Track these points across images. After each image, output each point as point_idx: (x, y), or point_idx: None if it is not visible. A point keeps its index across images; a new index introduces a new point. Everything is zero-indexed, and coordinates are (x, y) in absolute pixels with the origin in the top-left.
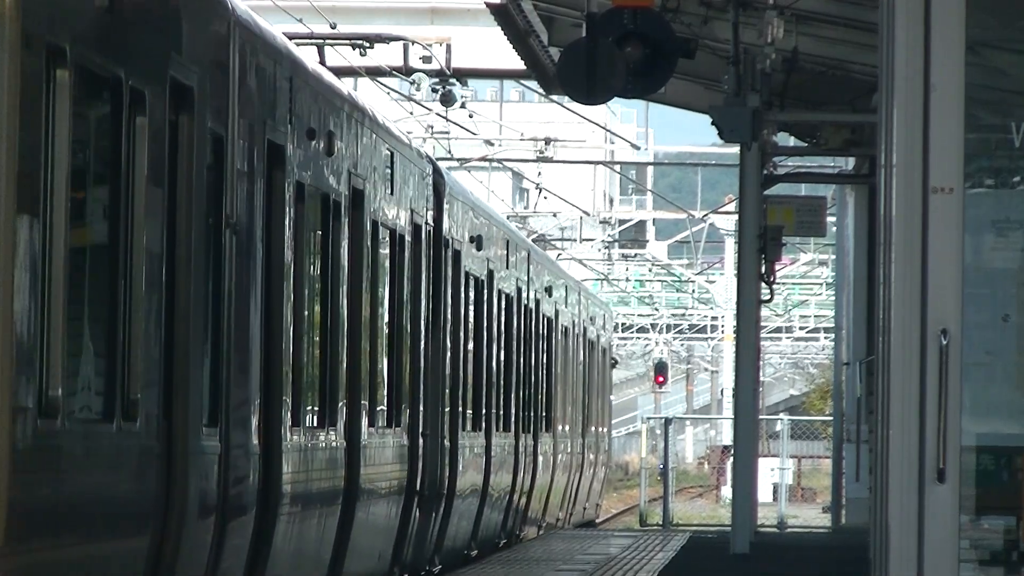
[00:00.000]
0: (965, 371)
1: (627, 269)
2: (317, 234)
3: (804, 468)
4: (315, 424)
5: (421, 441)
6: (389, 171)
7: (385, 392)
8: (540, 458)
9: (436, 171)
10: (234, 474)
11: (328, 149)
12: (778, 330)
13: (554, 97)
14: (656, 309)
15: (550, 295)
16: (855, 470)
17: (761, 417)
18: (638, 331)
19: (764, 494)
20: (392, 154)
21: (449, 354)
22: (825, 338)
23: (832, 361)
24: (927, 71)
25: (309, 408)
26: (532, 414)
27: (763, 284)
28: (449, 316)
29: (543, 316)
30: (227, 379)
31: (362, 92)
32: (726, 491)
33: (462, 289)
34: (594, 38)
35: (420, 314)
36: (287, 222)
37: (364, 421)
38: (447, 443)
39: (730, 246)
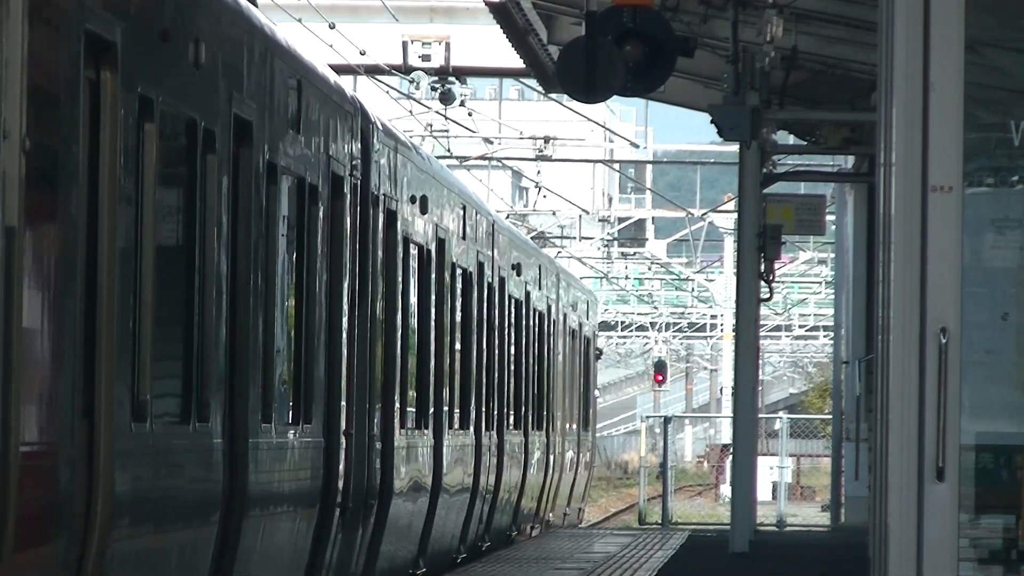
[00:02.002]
0: (964, 370)
1: (626, 267)
2: (180, 171)
3: (803, 467)
4: (175, 420)
5: (343, 441)
6: (296, 106)
7: (289, 382)
8: (507, 458)
9: (364, 115)
10: None
11: (196, 58)
12: (777, 329)
13: (553, 96)
14: (655, 307)
15: (520, 274)
16: (854, 469)
17: (760, 416)
18: (637, 329)
19: (763, 493)
20: (300, 85)
21: (382, 338)
22: (824, 337)
23: (831, 360)
24: (926, 70)
25: (161, 400)
26: (498, 409)
27: (762, 283)
28: (380, 291)
29: (511, 298)
30: None
31: (361, 91)
32: (725, 490)
33: (399, 259)
34: (593, 36)
35: (340, 286)
36: (117, 147)
37: (255, 417)
38: (379, 443)
39: (729, 244)
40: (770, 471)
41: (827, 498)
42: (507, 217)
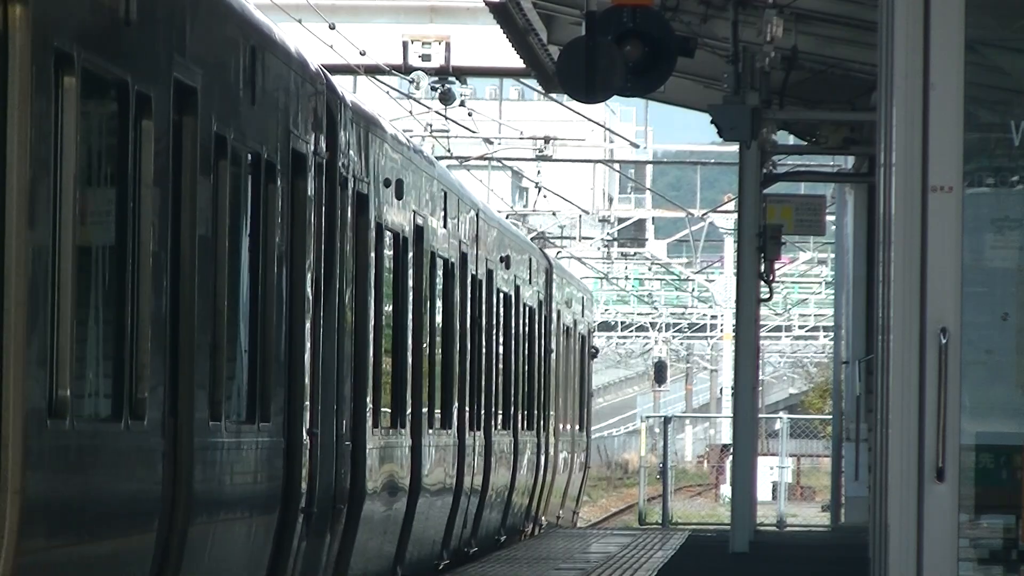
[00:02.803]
0: (964, 370)
1: (626, 268)
2: (107, 139)
3: (803, 467)
4: (103, 417)
5: (307, 441)
6: (251, 75)
7: (243, 377)
8: (495, 460)
9: (330, 89)
10: None
11: (127, 13)
12: (777, 329)
13: (553, 96)
14: (655, 308)
15: (508, 268)
16: (854, 469)
17: (760, 416)
18: (637, 330)
19: (763, 493)
20: (256, 51)
21: (352, 332)
22: (824, 337)
23: (831, 360)
24: (926, 70)
25: (86, 396)
26: (485, 409)
27: (762, 283)
28: (349, 280)
29: (499, 292)
30: None
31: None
32: (725, 490)
33: (371, 246)
34: (593, 36)
35: (302, 273)
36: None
37: (201, 414)
38: (348, 444)
39: (729, 245)
40: (770, 471)
41: (827, 498)
42: (507, 217)
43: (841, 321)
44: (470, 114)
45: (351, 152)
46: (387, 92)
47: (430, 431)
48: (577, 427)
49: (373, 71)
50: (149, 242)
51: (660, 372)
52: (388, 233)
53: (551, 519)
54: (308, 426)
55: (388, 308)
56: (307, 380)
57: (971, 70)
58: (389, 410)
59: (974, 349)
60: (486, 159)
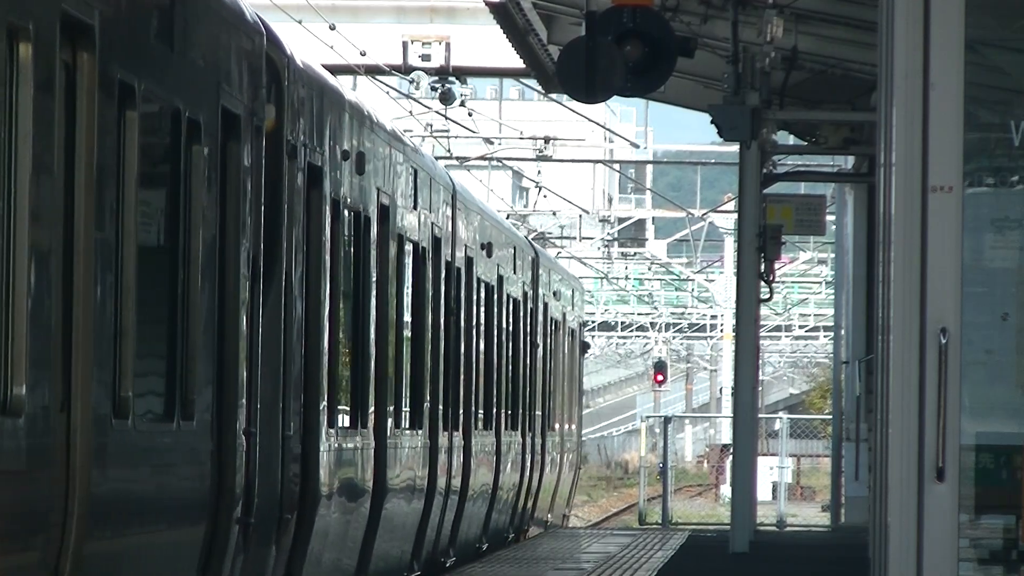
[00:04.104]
0: (964, 370)
1: (626, 268)
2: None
3: (803, 467)
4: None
5: (243, 442)
6: (168, 18)
7: (158, 369)
8: (475, 461)
9: (275, 45)
10: None
11: None
12: (777, 329)
13: (554, 96)
14: (655, 308)
15: (490, 256)
16: (854, 469)
17: (760, 416)
18: (637, 330)
19: (763, 493)
20: None
21: (301, 321)
22: (824, 337)
23: (831, 360)
24: (926, 70)
25: None
26: (464, 408)
27: (762, 283)
28: (298, 262)
29: (479, 282)
30: None
31: (361, 91)
32: (725, 490)
33: (327, 225)
34: (593, 37)
35: (235, 251)
36: None
37: (101, 411)
38: (297, 445)
39: (729, 245)
40: (770, 471)
41: (827, 498)
42: (507, 217)
43: (841, 321)
44: (470, 114)
45: (301, 118)
46: (387, 92)
47: (397, 431)
48: (568, 426)
49: (373, 71)
50: (28, 208)
51: (661, 369)
52: (347, 211)
53: (539, 522)
54: (244, 425)
55: (347, 296)
56: (243, 374)
57: (971, 70)
58: (348, 409)
59: (974, 349)
60: (486, 159)
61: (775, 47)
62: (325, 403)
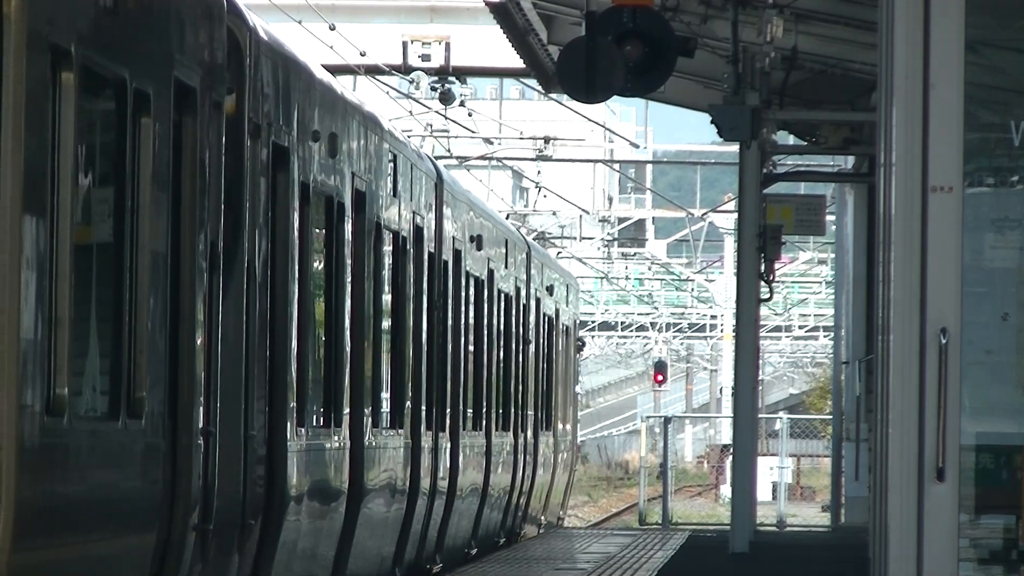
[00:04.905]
0: (964, 370)
1: (626, 268)
2: None
3: (803, 467)
4: None
5: (200, 443)
6: None
7: (103, 363)
8: (463, 463)
9: (235, 14)
10: None
11: None
12: (777, 329)
13: (553, 95)
14: (655, 308)
15: (480, 248)
16: (854, 469)
17: (760, 416)
18: (637, 330)
19: (763, 493)
20: None
21: (267, 313)
22: (824, 337)
23: (831, 360)
24: (926, 70)
25: None
26: (450, 407)
27: (762, 283)
28: (263, 249)
29: (468, 275)
30: None
31: (361, 91)
32: (725, 490)
33: (295, 211)
34: (593, 37)
35: (191, 234)
36: None
37: (34, 406)
38: (262, 446)
39: (729, 245)
40: (770, 471)
41: (827, 498)
42: (507, 217)
43: (841, 321)
44: (470, 114)
45: (265, 95)
46: (387, 92)
47: (375, 431)
48: (562, 425)
49: (373, 71)
50: None
51: (661, 369)
52: (317, 197)
53: (533, 525)
54: (202, 424)
55: (318, 287)
56: (201, 370)
57: (971, 70)
58: (320, 407)
59: (974, 349)
60: (486, 159)
61: (775, 47)
62: (294, 401)
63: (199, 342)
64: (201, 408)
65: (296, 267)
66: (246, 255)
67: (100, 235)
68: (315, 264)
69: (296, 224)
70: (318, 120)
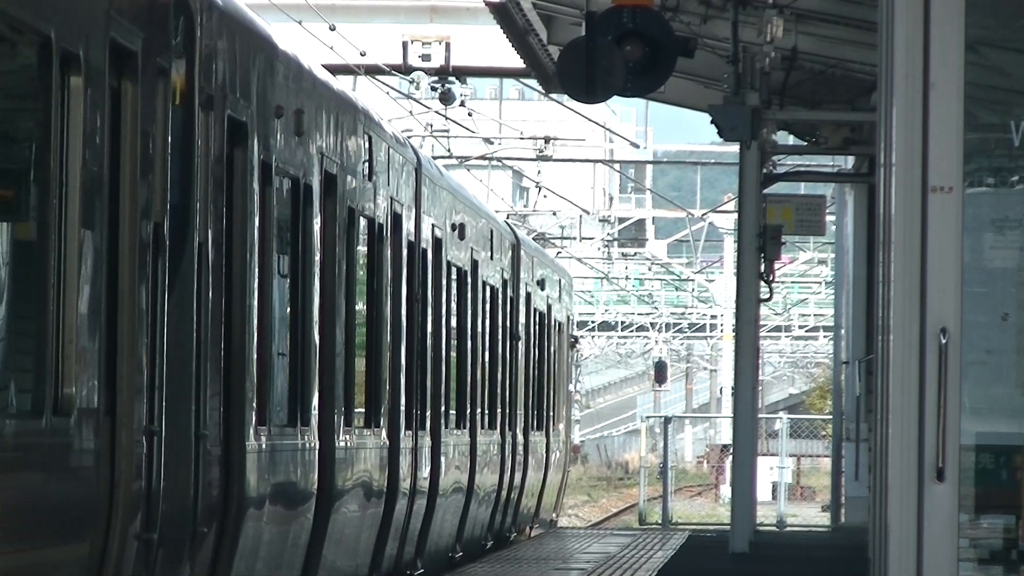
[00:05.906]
0: (964, 370)
1: (626, 268)
2: None
3: (803, 467)
4: None
5: (143, 442)
6: None
7: (24, 357)
8: (444, 462)
9: None
10: None
11: None
12: (777, 329)
13: (554, 96)
14: (655, 308)
15: (463, 237)
16: (854, 469)
17: (760, 416)
18: (637, 330)
19: (763, 493)
20: None
21: (222, 303)
22: (824, 337)
23: (831, 360)
24: (926, 70)
25: None
26: (432, 405)
27: (762, 283)
28: (216, 233)
29: (449, 265)
30: None
31: (361, 91)
32: (725, 490)
33: (254, 192)
34: (593, 37)
35: (134, 216)
36: None
37: None
38: (216, 446)
39: (729, 245)
40: (770, 471)
41: (827, 498)
42: (507, 217)
43: (841, 321)
44: (470, 114)
45: (220, 65)
46: (387, 92)
47: (348, 430)
48: (555, 425)
49: (373, 71)
50: None
51: (660, 372)
52: (281, 177)
53: (523, 526)
54: (145, 423)
55: (281, 275)
56: (142, 363)
57: (971, 70)
58: (285, 404)
59: (974, 349)
60: (486, 159)
61: (775, 47)
62: (254, 398)
63: (140, 333)
64: (144, 406)
65: (256, 253)
66: (197, 239)
67: (20, 214)
68: (279, 250)
69: (256, 206)
70: (282, 95)
